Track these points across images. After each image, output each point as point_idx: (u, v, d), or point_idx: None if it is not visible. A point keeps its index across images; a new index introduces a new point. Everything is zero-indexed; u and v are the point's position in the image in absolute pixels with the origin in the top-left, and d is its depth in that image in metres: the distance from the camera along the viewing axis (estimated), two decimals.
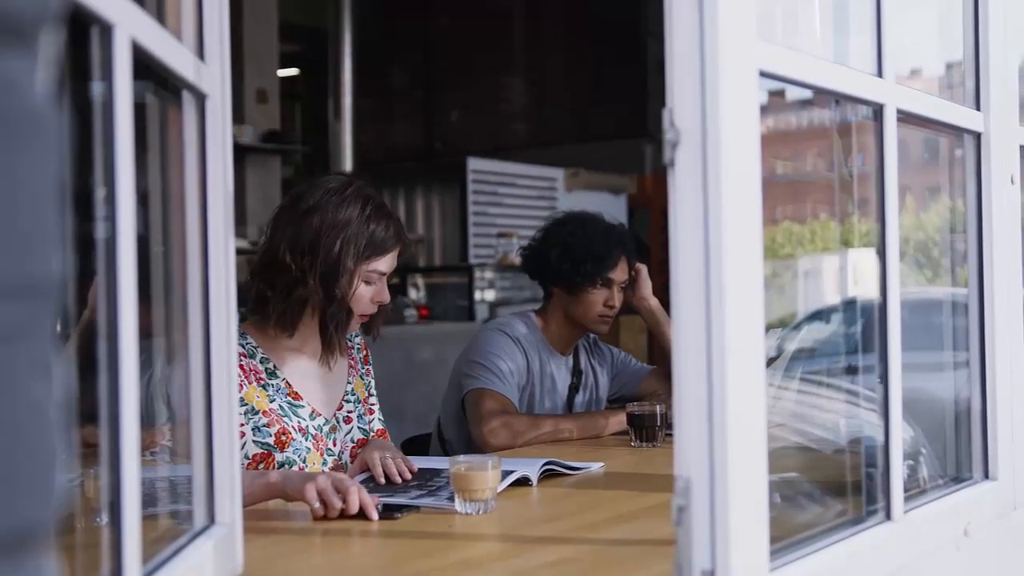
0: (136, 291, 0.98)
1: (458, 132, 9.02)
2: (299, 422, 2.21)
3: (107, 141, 0.96)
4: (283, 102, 7.86)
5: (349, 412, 2.33)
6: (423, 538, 1.72)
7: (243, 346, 2.20)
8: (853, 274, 1.78)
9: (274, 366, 2.23)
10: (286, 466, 2.14)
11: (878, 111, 1.48)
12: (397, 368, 5.25)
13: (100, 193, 0.95)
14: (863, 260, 1.62)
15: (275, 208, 2.31)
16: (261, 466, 2.13)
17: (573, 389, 3.00)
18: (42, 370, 0.63)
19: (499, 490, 1.92)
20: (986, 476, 1.78)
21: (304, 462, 2.18)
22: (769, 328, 1.24)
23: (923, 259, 1.98)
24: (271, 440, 2.16)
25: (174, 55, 1.18)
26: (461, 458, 1.89)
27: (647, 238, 7.03)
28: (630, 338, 5.90)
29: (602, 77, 8.42)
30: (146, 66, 1.08)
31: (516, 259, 4.43)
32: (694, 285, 1.12)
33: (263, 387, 2.19)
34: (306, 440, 2.20)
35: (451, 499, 1.86)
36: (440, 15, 9.06)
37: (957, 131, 1.78)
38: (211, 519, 1.33)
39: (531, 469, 2.11)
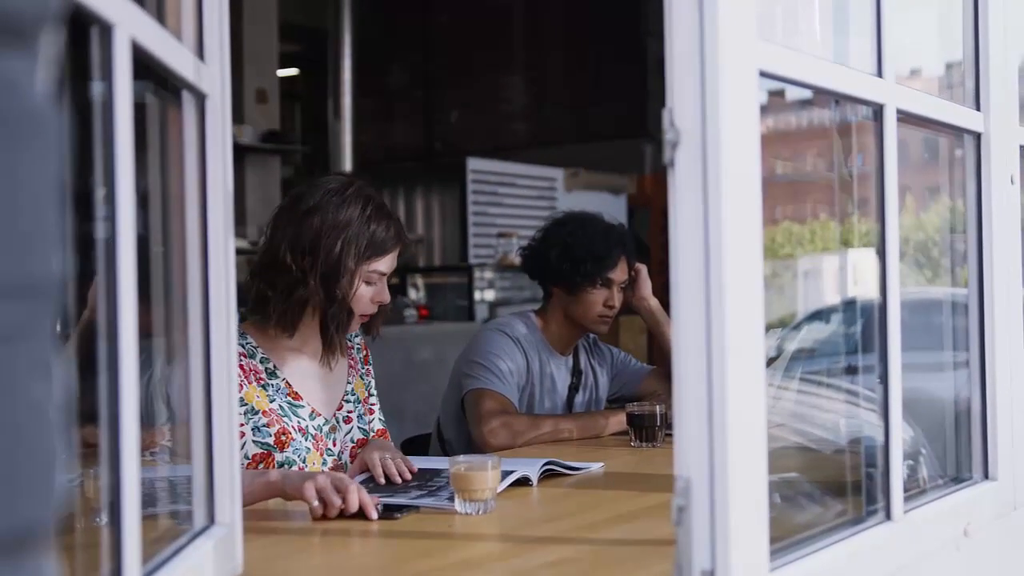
0: (136, 291, 0.98)
1: (458, 132, 9.02)
2: (299, 422, 2.21)
3: (107, 141, 0.96)
4: (283, 102, 7.86)
5: (349, 412, 2.33)
6: (423, 538, 1.72)
7: (243, 346, 2.20)
8: (853, 274, 1.78)
9: (274, 366, 2.23)
10: (286, 466, 2.14)
11: (878, 111, 1.48)
12: (397, 368, 5.25)
13: (100, 193, 0.95)
14: (863, 260, 1.62)
15: (275, 208, 2.31)
16: (261, 466, 2.13)
17: (573, 389, 3.00)
18: (42, 370, 0.63)
19: (499, 490, 1.92)
20: (986, 476, 1.78)
21: (304, 462, 2.18)
22: (769, 328, 1.24)
23: (923, 259, 1.98)
24: (271, 440, 2.15)
25: (174, 55, 1.18)
26: (461, 458, 1.89)
27: (647, 238, 7.03)
28: (630, 338, 5.90)
29: (602, 76, 8.42)
30: (146, 66, 1.08)
31: (516, 259, 4.43)
32: (694, 285, 1.12)
33: (263, 387, 2.19)
34: (306, 440, 2.20)
35: (451, 499, 1.86)
36: (440, 14, 9.05)
37: (957, 131, 1.78)
38: (211, 519, 1.33)
39: (531, 469, 2.11)
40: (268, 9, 7.20)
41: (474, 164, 7.32)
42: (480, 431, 2.68)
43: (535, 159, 7.70)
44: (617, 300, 2.91)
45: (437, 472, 2.12)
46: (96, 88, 0.95)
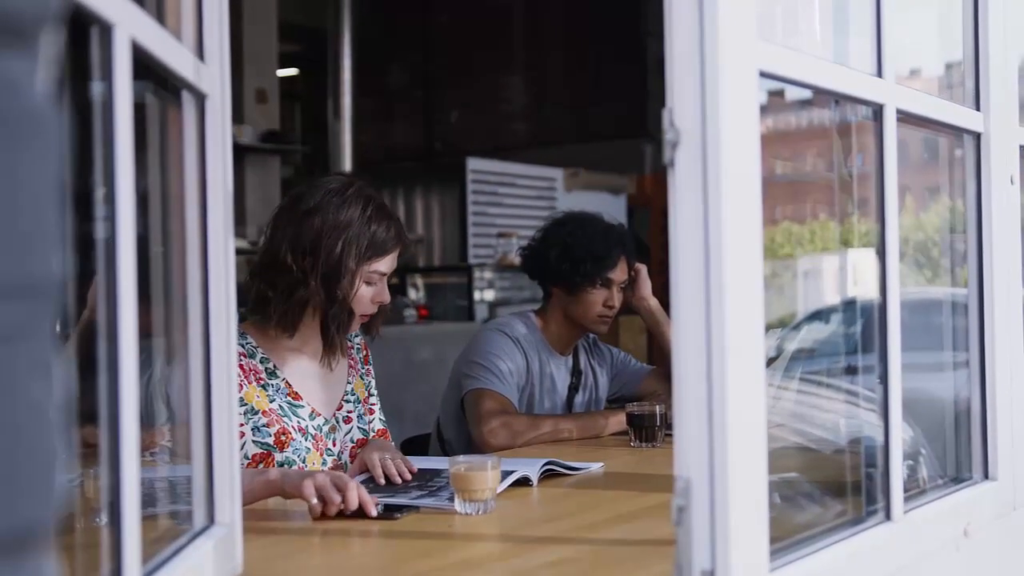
0: (136, 291, 0.98)
1: (458, 132, 9.02)
2: (299, 422, 2.21)
3: (107, 141, 0.96)
4: (282, 102, 7.86)
5: (349, 412, 2.33)
6: (423, 538, 1.72)
7: (243, 346, 2.20)
8: (853, 274, 1.78)
9: (274, 366, 2.23)
10: (286, 466, 2.14)
11: (878, 111, 1.48)
12: (396, 368, 5.25)
13: (100, 193, 0.95)
14: (863, 260, 1.62)
15: (275, 209, 2.31)
16: (261, 466, 2.13)
17: (573, 389, 3.00)
18: (42, 370, 0.63)
19: (500, 490, 1.92)
20: (986, 476, 1.78)
21: (304, 462, 2.18)
22: (769, 328, 1.24)
23: (923, 259, 1.98)
24: (271, 440, 2.15)
25: (174, 55, 1.18)
26: (461, 458, 1.89)
27: (647, 238, 7.03)
28: (629, 338, 5.90)
29: (602, 76, 8.42)
30: (146, 66, 1.08)
31: (515, 259, 4.42)
32: (694, 285, 1.12)
33: (263, 387, 2.19)
34: (306, 440, 2.20)
35: (451, 499, 1.86)
36: (440, 14, 9.06)
37: (957, 131, 1.78)
38: (211, 519, 1.33)
39: (531, 469, 2.11)
40: (268, 9, 7.20)
41: (474, 164, 7.32)
42: (480, 431, 2.68)
43: (535, 159, 7.70)
44: (617, 300, 2.91)
45: (437, 472, 2.12)
46: (96, 88, 0.95)
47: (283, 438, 2.17)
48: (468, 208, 7.24)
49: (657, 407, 2.60)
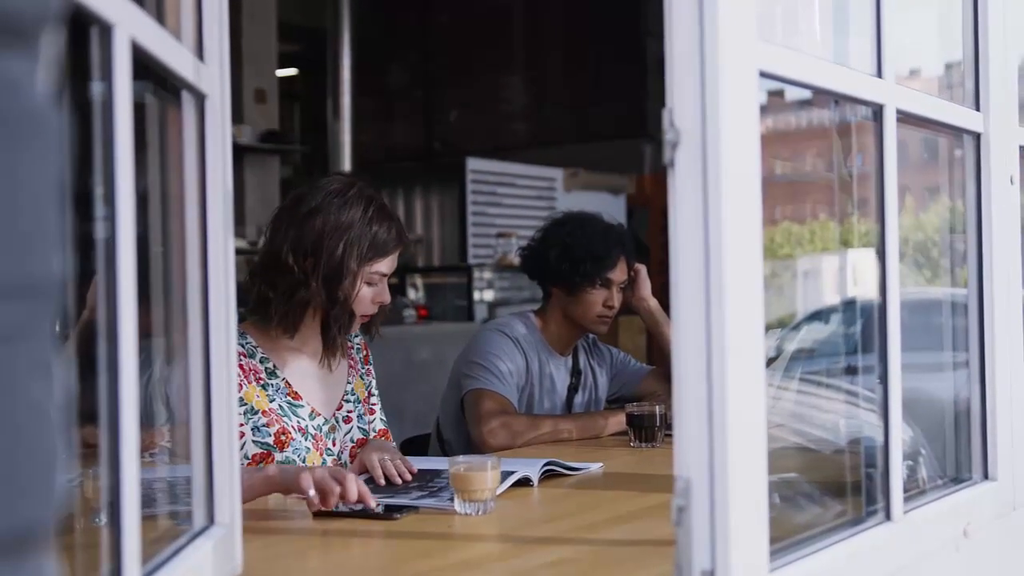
0: (136, 291, 0.98)
1: (457, 132, 9.02)
2: (299, 422, 2.21)
3: (107, 141, 0.96)
4: (282, 102, 7.86)
5: (349, 412, 2.33)
6: (423, 538, 1.72)
7: (243, 346, 2.20)
8: (852, 274, 1.78)
9: (274, 366, 2.23)
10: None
11: (878, 111, 1.48)
12: (396, 368, 5.25)
13: (100, 193, 0.95)
14: (863, 260, 1.62)
15: (275, 209, 2.31)
16: (260, 466, 2.13)
17: (572, 389, 3.00)
18: (42, 370, 0.63)
19: (501, 491, 1.92)
20: (985, 476, 1.78)
21: (303, 462, 2.18)
22: (769, 328, 1.24)
23: (923, 259, 1.98)
24: (271, 440, 2.16)
25: (173, 55, 1.18)
26: (460, 459, 1.89)
27: (646, 238, 7.03)
28: (629, 338, 5.91)
29: (602, 76, 8.42)
30: (146, 66, 1.08)
31: (515, 259, 4.43)
32: (694, 285, 1.12)
33: (263, 387, 2.19)
34: (305, 440, 2.20)
35: (452, 500, 1.85)
36: (439, 14, 9.06)
37: (957, 131, 1.78)
38: (210, 519, 1.33)
39: (531, 469, 2.11)
40: (267, 9, 7.20)
41: (473, 164, 7.32)
42: (479, 431, 2.68)
43: (535, 159, 7.71)
44: (616, 300, 2.91)
45: (437, 473, 2.12)
46: (96, 88, 0.95)
47: (283, 438, 2.17)
48: (468, 208, 7.24)
49: (657, 407, 2.60)
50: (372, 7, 8.58)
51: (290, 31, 8.01)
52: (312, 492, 1.77)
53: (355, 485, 1.78)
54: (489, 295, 6.91)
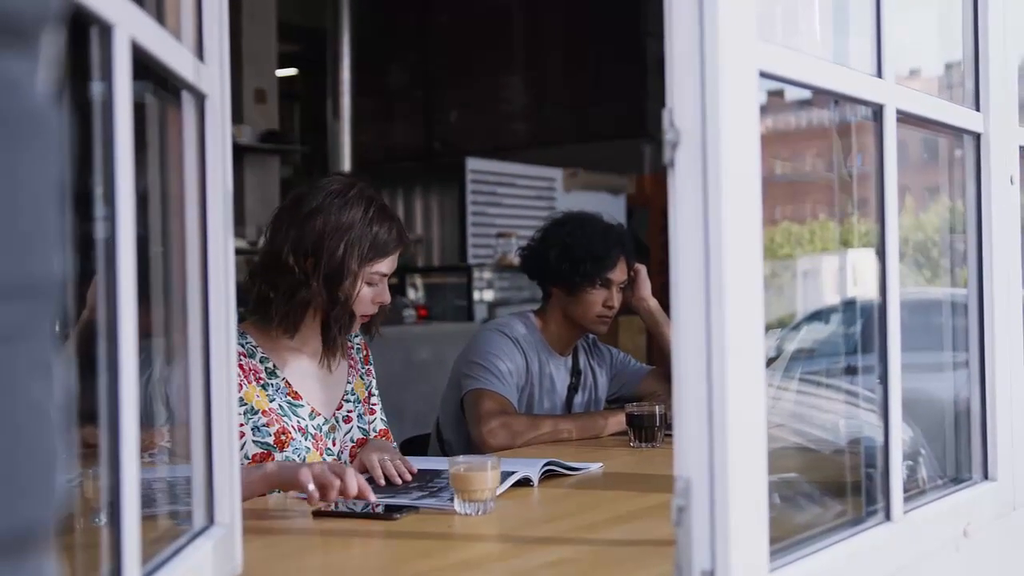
0: (136, 291, 0.98)
1: (457, 132, 9.02)
2: (298, 422, 2.21)
3: (107, 141, 0.96)
4: (282, 102, 7.86)
5: (349, 412, 2.33)
6: (423, 538, 1.72)
7: (243, 346, 2.20)
8: (852, 274, 1.78)
9: (274, 366, 2.23)
10: None
11: (878, 111, 1.48)
12: (396, 368, 5.25)
13: (100, 193, 0.95)
14: (862, 260, 1.62)
15: (275, 210, 2.31)
16: (260, 464, 2.13)
17: (572, 389, 3.00)
18: (42, 370, 0.63)
19: (501, 491, 1.91)
20: (985, 477, 1.78)
21: (303, 461, 2.18)
22: (769, 328, 1.24)
23: (923, 259, 1.98)
24: (271, 440, 2.16)
25: (173, 55, 1.18)
26: (460, 459, 1.89)
27: (646, 238, 7.03)
28: (629, 338, 5.91)
29: (602, 77, 8.42)
30: (146, 66, 1.08)
31: (515, 259, 4.43)
32: (694, 285, 1.12)
33: (263, 387, 2.19)
34: (305, 440, 2.21)
35: (452, 500, 1.85)
36: (439, 14, 9.06)
37: (957, 131, 1.78)
38: (210, 519, 1.33)
39: (532, 470, 2.11)
40: (267, 9, 7.20)
41: (473, 164, 7.32)
42: (479, 431, 2.68)
43: (534, 159, 7.71)
44: (616, 300, 2.91)
45: (437, 473, 2.12)
46: (96, 88, 0.95)
47: (283, 438, 2.17)
48: (467, 208, 7.24)
49: (657, 407, 2.60)
50: (372, 7, 8.58)
51: (290, 31, 8.01)
52: (312, 487, 1.77)
53: (355, 479, 1.78)
54: (489, 295, 6.91)
